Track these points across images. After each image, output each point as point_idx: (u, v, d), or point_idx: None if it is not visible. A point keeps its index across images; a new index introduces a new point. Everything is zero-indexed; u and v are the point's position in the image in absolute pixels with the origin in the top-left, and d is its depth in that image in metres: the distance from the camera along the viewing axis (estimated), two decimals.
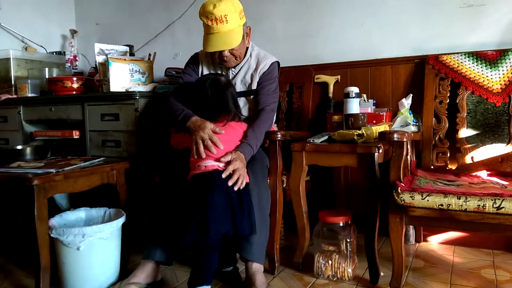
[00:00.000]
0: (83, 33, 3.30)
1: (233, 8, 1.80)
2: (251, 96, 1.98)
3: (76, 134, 2.38)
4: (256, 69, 1.96)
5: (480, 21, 2.12)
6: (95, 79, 2.51)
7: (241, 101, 1.98)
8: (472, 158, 2.01)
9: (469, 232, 2.13)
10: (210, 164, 1.63)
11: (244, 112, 1.98)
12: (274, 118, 2.02)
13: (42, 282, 1.67)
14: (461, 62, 2.10)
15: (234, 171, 1.61)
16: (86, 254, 1.70)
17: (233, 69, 1.99)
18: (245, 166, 1.67)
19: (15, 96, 2.61)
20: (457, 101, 2.08)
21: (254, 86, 1.96)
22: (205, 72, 2.03)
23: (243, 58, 1.97)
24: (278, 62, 2.02)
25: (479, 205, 1.40)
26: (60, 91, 2.43)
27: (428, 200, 1.46)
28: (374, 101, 2.23)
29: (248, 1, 2.64)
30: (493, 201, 1.39)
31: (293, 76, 2.44)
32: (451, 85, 2.12)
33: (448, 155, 2.07)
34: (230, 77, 2.00)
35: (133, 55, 2.71)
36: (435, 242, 2.24)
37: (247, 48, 1.99)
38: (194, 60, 2.06)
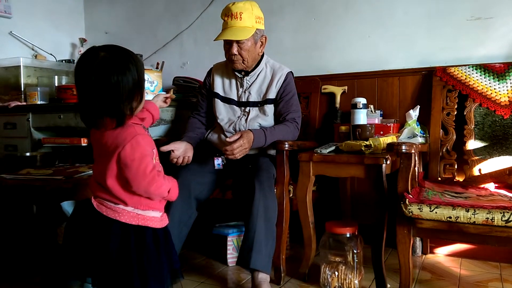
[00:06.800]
0: (92, 42, 3.32)
1: (251, 10, 1.89)
2: (264, 106, 1.99)
3: (84, 142, 2.39)
4: (272, 79, 2.00)
5: (488, 34, 2.13)
6: None
7: (254, 111, 2.01)
8: (479, 170, 2.00)
9: (476, 245, 2.11)
10: None
11: (255, 122, 1.99)
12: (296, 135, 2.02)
13: None
14: (469, 74, 2.10)
15: (236, 147, 1.73)
16: None
17: (247, 78, 2.01)
18: (249, 148, 1.79)
19: (24, 103, 2.63)
20: (465, 113, 2.08)
21: (268, 96, 1.99)
22: (217, 83, 2.07)
23: (257, 66, 2.00)
24: (292, 72, 2.06)
25: (487, 218, 1.40)
26: (69, 98, 2.45)
27: (436, 212, 1.46)
28: (381, 112, 2.24)
29: None
30: (502, 214, 1.38)
31: (300, 86, 2.44)
32: (458, 97, 2.12)
33: (456, 167, 2.07)
34: (245, 86, 2.02)
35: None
36: (442, 254, 2.22)
37: (262, 57, 2.03)
38: (208, 73, 2.14)
